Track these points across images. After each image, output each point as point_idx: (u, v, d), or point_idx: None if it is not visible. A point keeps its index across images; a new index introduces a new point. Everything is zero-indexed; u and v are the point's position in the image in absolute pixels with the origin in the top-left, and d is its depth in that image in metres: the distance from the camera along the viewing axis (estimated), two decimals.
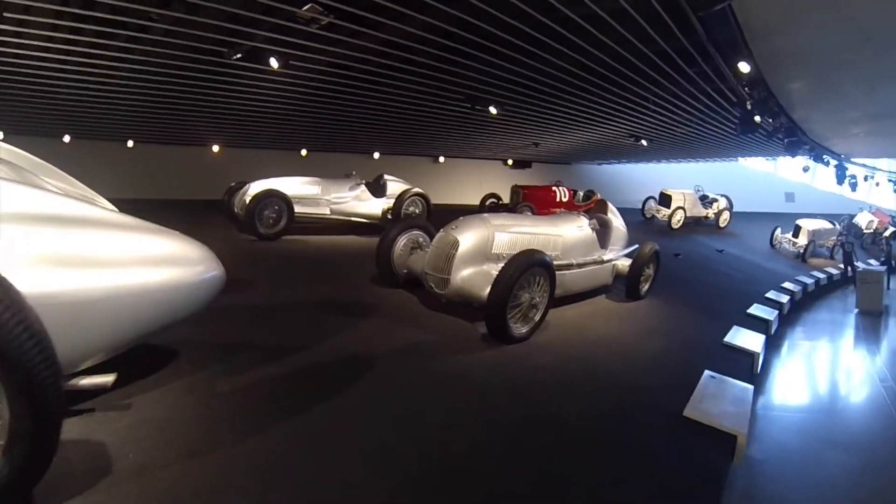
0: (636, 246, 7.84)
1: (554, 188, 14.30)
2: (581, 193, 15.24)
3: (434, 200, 12.21)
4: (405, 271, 6.34)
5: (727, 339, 6.09)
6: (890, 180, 20.19)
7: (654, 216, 16.00)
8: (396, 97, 9.86)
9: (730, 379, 4.71)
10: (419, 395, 3.73)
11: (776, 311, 8.32)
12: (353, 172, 10.92)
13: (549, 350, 5.00)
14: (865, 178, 18.77)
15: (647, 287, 7.76)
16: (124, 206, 3.46)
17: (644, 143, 13.22)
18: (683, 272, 10.92)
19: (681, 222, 15.67)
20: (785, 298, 9.62)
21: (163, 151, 15.13)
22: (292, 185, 9.75)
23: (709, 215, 16.67)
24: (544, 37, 6.69)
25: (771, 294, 9.71)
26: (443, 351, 4.58)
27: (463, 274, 5.38)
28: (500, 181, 16.03)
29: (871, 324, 10.26)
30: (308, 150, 16.34)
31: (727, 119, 10.78)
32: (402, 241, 6.50)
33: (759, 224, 17.35)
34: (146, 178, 14.41)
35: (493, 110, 10.19)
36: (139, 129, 12.66)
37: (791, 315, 9.78)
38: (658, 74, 8.13)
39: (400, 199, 10.85)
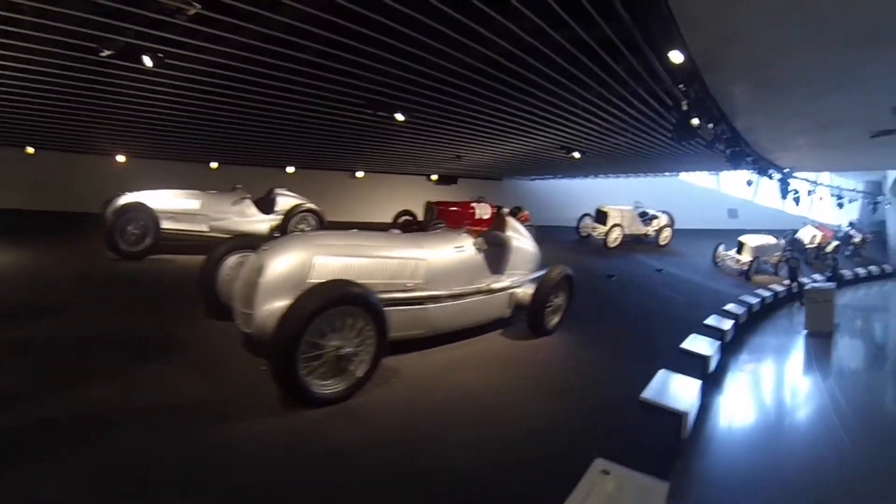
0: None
1: (474, 204, 12.86)
2: (506, 210, 13.86)
3: (345, 217, 10.63)
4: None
5: (647, 394, 4.49)
6: (833, 195, 19.80)
7: (589, 234, 14.76)
8: (286, 102, 8.24)
9: (637, 475, 3.04)
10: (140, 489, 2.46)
11: (717, 342, 6.90)
12: (238, 186, 9.90)
13: (367, 420, 3.38)
14: (809, 193, 18.26)
15: (556, 320, 6.20)
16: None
17: (576, 155, 11.95)
18: (614, 297, 9.48)
19: (618, 240, 14.43)
20: (727, 324, 8.26)
21: (64, 160, 13.15)
22: (164, 199, 8.80)
23: (649, 233, 15.60)
24: (443, 26, 5.24)
25: (711, 320, 8.34)
26: (222, 413, 3.42)
27: (268, 308, 3.79)
28: (422, 198, 14.56)
29: (821, 346, 9.03)
30: (220, 163, 14.52)
31: (664, 127, 9.62)
32: (229, 263, 5.20)
33: (701, 241, 16.39)
34: (44, 187, 12.78)
35: (399, 117, 8.64)
36: (35, 134, 10.87)
37: (735, 342, 8.42)
38: (582, 73, 6.79)
39: (288, 215, 9.81)
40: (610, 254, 13.89)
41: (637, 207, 16.14)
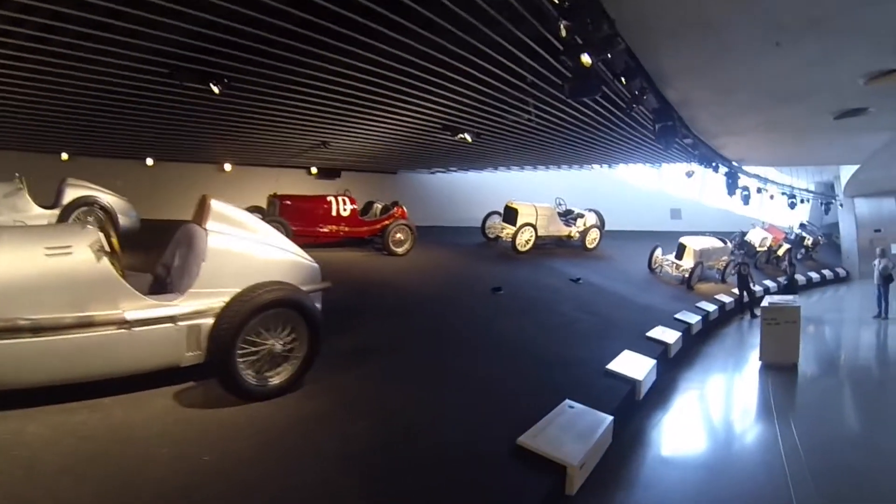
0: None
1: (330, 199, 9.77)
2: (379, 206, 10.78)
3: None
4: None
5: None
6: (783, 193, 17.65)
7: (498, 237, 11.83)
8: (81, 74, 5.73)
9: None
10: None
11: (610, 419, 3.90)
12: (18, 175, 8.33)
13: None
14: (759, 191, 16.08)
15: (284, 373, 3.34)
16: None
17: (467, 137, 8.99)
18: (490, 322, 6.45)
19: (530, 243, 11.54)
20: (644, 367, 5.31)
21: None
22: None
23: (573, 234, 12.83)
24: None
25: (622, 362, 5.37)
26: None
27: None
28: (299, 193, 11.50)
29: (782, 390, 6.27)
30: (71, 154, 11.58)
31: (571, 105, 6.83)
32: None
33: (638, 244, 13.76)
34: None
35: (214, 89, 5.99)
36: None
37: (659, 391, 5.52)
38: (439, 15, 3.96)
39: (68, 209, 8.07)
40: (518, 260, 10.96)
41: (559, 205, 13.35)
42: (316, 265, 4.24)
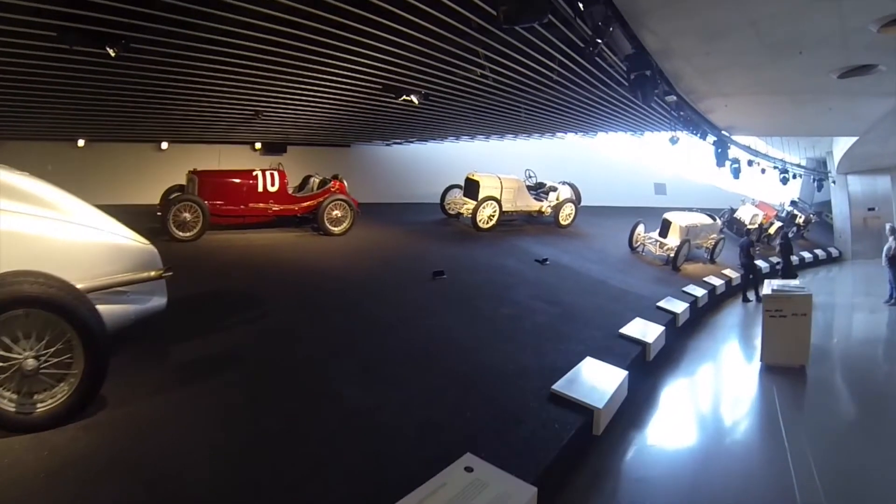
0: None
1: (257, 173, 8.19)
2: (316, 180, 9.20)
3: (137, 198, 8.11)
4: None
5: None
6: (776, 167, 16.28)
7: (459, 213, 10.23)
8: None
9: None
10: None
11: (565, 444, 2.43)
12: None
13: None
14: (750, 164, 14.71)
15: (61, 399, 2.57)
16: None
17: (414, 100, 7.36)
18: (417, 317, 4.90)
19: (494, 219, 10.00)
20: (611, 384, 3.80)
21: None
22: None
23: (544, 209, 11.28)
24: None
25: (581, 376, 3.87)
26: None
27: None
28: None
29: (790, 398, 4.87)
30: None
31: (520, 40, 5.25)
32: None
33: (618, 221, 12.27)
34: None
35: (111, 52, 4.84)
36: None
37: (634, 410, 4.06)
38: None
39: None
40: (478, 239, 9.38)
41: (529, 177, 11.78)
42: (152, 249, 3.33)
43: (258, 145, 12.26)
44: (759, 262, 12.15)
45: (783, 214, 17.84)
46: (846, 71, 6.12)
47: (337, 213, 8.43)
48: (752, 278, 9.92)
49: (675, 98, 8.33)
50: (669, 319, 6.44)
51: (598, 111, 8.97)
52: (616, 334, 5.17)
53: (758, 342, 5.84)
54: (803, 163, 19.67)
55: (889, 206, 18.46)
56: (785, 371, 5.48)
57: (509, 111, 8.80)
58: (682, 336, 6.77)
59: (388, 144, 13.12)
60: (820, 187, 19.78)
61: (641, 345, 5.05)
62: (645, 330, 5.42)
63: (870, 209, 18.22)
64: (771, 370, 5.55)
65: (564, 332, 5.04)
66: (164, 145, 11.91)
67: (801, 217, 18.48)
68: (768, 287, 5.92)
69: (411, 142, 13.06)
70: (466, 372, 3.73)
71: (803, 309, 5.35)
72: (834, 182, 19.04)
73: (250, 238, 7.80)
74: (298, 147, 12.50)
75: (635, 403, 4.25)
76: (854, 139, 13.16)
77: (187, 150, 11.76)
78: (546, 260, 8.18)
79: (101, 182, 9.88)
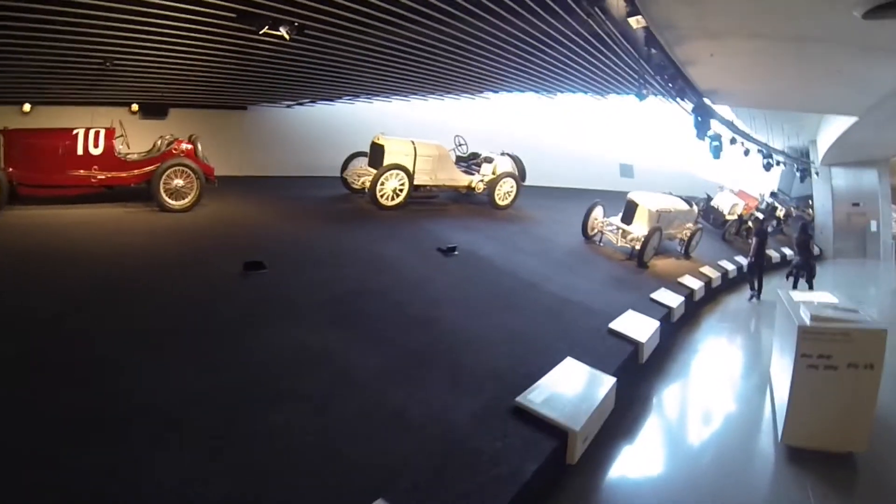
0: None
1: (77, 132, 5.88)
2: (164, 141, 6.62)
3: None
4: None
5: None
6: (760, 151, 14.10)
7: (365, 186, 7.48)
8: None
9: None
10: None
11: None
12: None
13: None
14: (732, 142, 12.47)
15: None
16: None
17: (284, 33, 4.91)
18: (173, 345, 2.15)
19: (402, 195, 7.33)
20: None
21: None
22: None
23: (474, 185, 8.59)
24: None
25: None
26: None
27: None
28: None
29: None
30: None
31: None
32: None
33: (574, 203, 9.70)
34: None
35: None
36: None
37: None
38: None
39: None
40: (372, 219, 6.70)
41: (459, 145, 9.14)
42: None
43: (134, 107, 9.55)
44: (741, 259, 9.93)
45: (763, 206, 15.85)
46: (876, 6, 4.47)
47: (179, 182, 6.16)
48: (759, 269, 8.18)
49: (643, 33, 5.81)
50: (630, 352, 3.89)
51: (542, 55, 6.39)
52: (510, 407, 2.54)
53: (767, 401, 3.33)
54: (785, 151, 17.82)
55: (875, 201, 17.26)
56: (823, 461, 2.99)
57: (427, 56, 6.20)
58: (648, 378, 4.20)
59: (288, 106, 10.25)
60: (804, 178, 17.92)
61: (559, 436, 2.42)
62: (577, 387, 2.81)
63: (854, 204, 16.92)
64: (798, 458, 3.05)
65: (391, 418, 2.37)
66: (27, 107, 9.16)
67: (781, 210, 16.55)
68: (802, 308, 3.29)
69: (314, 103, 10.18)
70: None
71: (870, 355, 2.83)
72: (817, 174, 17.34)
73: (62, 215, 5.22)
74: (183, 109, 9.63)
75: None
76: (850, 122, 11.22)
77: (55, 111, 8.85)
78: (454, 249, 5.52)
79: None
